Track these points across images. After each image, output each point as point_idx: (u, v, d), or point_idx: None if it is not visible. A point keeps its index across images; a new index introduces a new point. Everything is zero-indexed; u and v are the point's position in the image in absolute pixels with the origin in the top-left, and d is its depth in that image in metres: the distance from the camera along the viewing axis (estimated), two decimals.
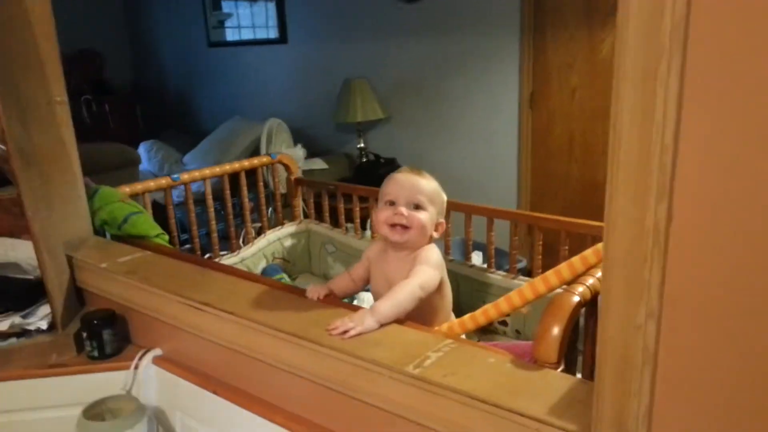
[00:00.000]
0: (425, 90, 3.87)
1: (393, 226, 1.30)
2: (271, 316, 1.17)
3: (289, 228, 2.43)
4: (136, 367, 1.38)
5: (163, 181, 2.02)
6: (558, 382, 0.91)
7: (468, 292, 1.96)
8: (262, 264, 2.33)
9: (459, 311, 2.01)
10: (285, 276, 2.28)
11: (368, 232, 2.40)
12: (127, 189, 1.91)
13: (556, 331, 0.96)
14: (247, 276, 1.38)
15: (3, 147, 1.37)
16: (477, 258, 2.49)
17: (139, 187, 1.95)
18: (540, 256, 1.91)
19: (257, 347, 1.17)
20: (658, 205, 0.62)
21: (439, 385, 0.91)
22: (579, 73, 3.32)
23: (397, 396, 0.96)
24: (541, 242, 1.91)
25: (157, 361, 1.39)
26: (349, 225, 2.43)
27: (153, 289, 1.36)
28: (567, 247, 1.79)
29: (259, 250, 2.32)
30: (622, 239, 0.66)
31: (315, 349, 1.06)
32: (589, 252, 1.19)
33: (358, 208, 2.27)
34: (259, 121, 4.24)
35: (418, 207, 1.31)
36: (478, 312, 1.28)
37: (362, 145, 4.09)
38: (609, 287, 0.68)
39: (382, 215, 1.32)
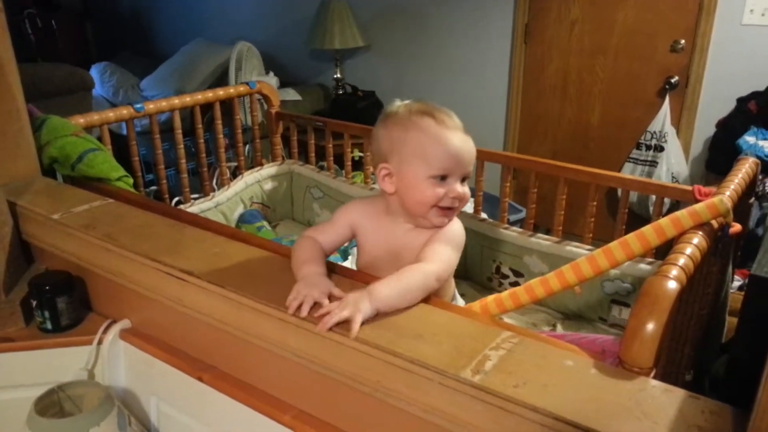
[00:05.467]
0: (410, 17, 3.54)
1: (444, 209, 1.01)
2: (271, 290, 0.93)
3: (270, 169, 2.16)
4: (100, 342, 1.14)
5: (124, 111, 1.72)
6: (662, 397, 0.71)
7: (477, 250, 1.75)
8: (239, 209, 2.07)
9: (465, 274, 1.82)
10: (265, 224, 2.03)
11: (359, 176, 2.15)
12: (81, 120, 1.61)
13: (651, 327, 0.75)
14: (239, 236, 1.13)
15: None
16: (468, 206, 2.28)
17: (95, 117, 1.65)
18: (534, 206, 1.72)
19: (255, 329, 0.94)
20: None
21: (509, 399, 0.70)
22: (580, 5, 3.05)
23: (450, 408, 0.75)
24: (536, 190, 1.71)
25: (125, 335, 1.15)
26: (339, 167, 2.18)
27: (119, 249, 1.10)
28: (564, 197, 1.61)
29: (236, 194, 2.05)
30: None
31: (334, 338, 0.83)
32: (665, 222, 0.98)
33: (349, 149, 2.01)
34: (224, 45, 3.85)
35: (466, 179, 1.03)
36: (521, 289, 1.06)
37: (339, 75, 3.76)
38: None
39: (428, 193, 0.99)
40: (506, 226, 1.72)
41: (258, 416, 0.96)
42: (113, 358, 1.14)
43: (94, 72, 4.19)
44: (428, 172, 0.99)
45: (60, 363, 1.13)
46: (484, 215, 1.82)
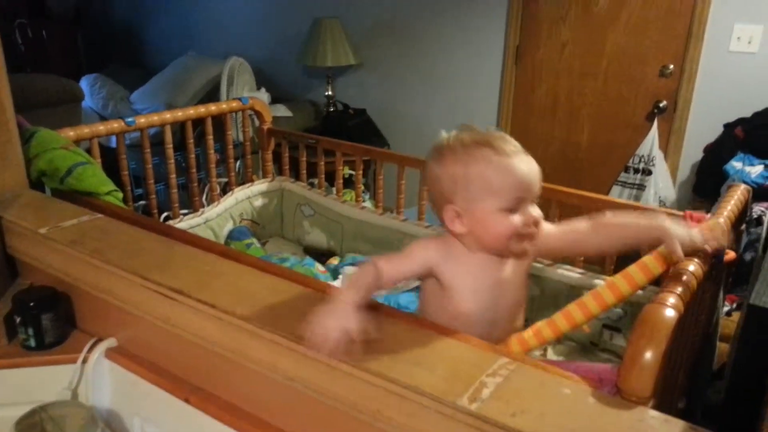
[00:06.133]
0: (402, 35, 3.56)
1: (523, 235, 0.98)
2: (265, 312, 0.91)
3: (260, 186, 2.14)
4: (85, 361, 1.11)
5: (115, 125, 1.70)
6: (661, 428, 0.70)
7: None
8: (229, 226, 2.04)
9: None
10: (255, 241, 2.00)
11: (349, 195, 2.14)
12: (71, 133, 1.59)
13: (650, 356, 0.74)
14: (230, 254, 1.11)
15: None
16: None
17: (86, 130, 1.63)
18: None
19: (246, 351, 0.92)
20: None
21: (507, 428, 0.69)
22: (571, 27, 3.08)
23: None
24: None
25: (110, 354, 1.12)
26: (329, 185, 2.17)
27: (106, 265, 1.07)
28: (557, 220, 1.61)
29: (226, 210, 2.03)
30: None
31: (329, 363, 0.82)
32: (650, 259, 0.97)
33: (341, 167, 2.00)
34: (216, 59, 3.84)
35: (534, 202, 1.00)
36: (543, 323, 1.03)
37: (330, 93, 3.76)
38: None
39: (504, 226, 0.95)
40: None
41: None
42: (98, 378, 1.12)
43: (84, 84, 4.16)
44: (499, 205, 0.95)
45: (43, 382, 1.10)
46: None
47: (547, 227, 1.05)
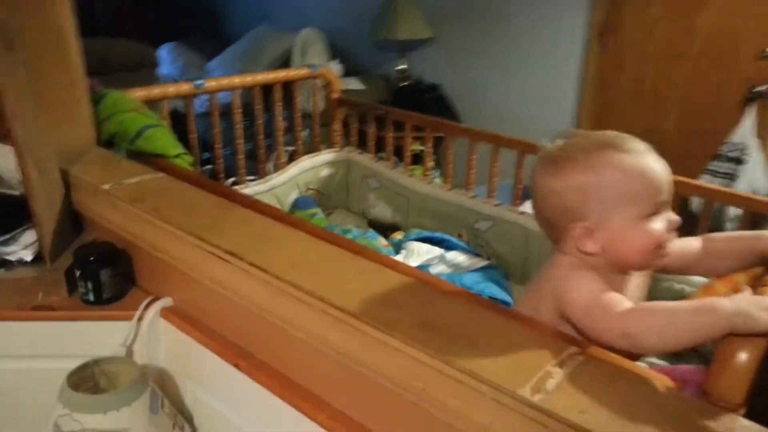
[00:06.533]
0: (480, 9, 3.43)
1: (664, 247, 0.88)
2: (318, 280, 0.87)
3: (327, 155, 2.11)
4: (140, 319, 1.10)
5: (185, 87, 1.70)
6: None
7: (539, 254, 1.65)
8: (294, 194, 2.02)
9: (526, 276, 1.72)
10: (319, 211, 1.98)
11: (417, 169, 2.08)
12: (141, 93, 1.59)
13: (744, 358, 0.65)
14: (288, 220, 1.07)
15: None
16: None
17: (156, 91, 1.63)
18: None
19: (295, 320, 0.88)
20: None
21: (574, 426, 0.61)
22: (661, 5, 2.87)
23: (503, 428, 0.67)
24: None
25: (166, 314, 1.11)
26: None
27: (164, 224, 1.06)
28: None
29: (291, 178, 2.01)
30: None
31: (379, 338, 0.76)
32: None
33: (410, 139, 1.93)
34: (290, 31, 3.84)
35: None
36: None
37: (403, 66, 3.68)
38: None
39: (647, 237, 0.85)
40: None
41: (292, 411, 0.90)
42: (152, 337, 1.11)
43: (163, 52, 4.26)
44: (640, 212, 0.85)
45: (99, 336, 1.10)
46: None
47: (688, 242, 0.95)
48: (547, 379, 0.67)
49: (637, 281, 0.94)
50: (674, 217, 0.87)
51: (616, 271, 0.90)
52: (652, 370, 0.70)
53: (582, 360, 0.71)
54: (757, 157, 2.66)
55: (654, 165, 0.86)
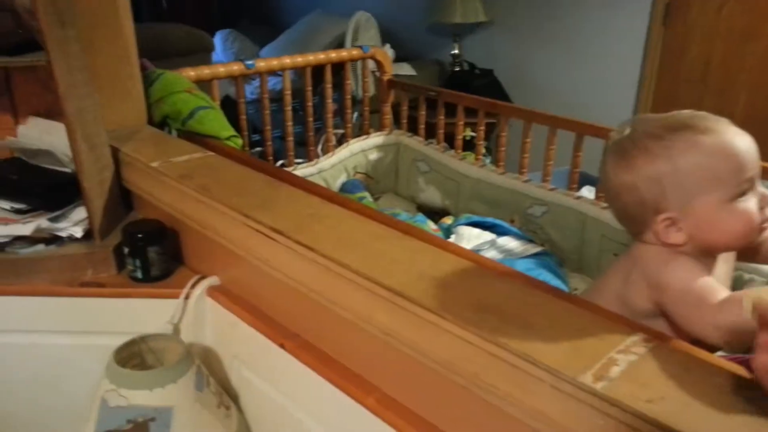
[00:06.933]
0: None
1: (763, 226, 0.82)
2: (366, 259, 0.83)
3: (376, 139, 2.07)
4: (187, 297, 1.10)
5: (235, 67, 1.69)
6: None
7: (596, 240, 1.58)
8: (342, 178, 2.00)
9: (579, 265, 1.64)
10: (367, 195, 1.95)
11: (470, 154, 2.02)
12: (192, 73, 1.59)
13: None
14: (336, 199, 1.04)
15: None
16: (589, 194, 2.09)
17: (206, 71, 1.63)
18: None
19: (341, 299, 0.85)
20: None
21: (640, 416, 0.56)
22: None
23: (562, 417, 0.62)
24: None
25: (212, 292, 1.10)
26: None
27: (211, 202, 1.04)
28: None
29: (340, 161, 1.98)
30: None
31: (430, 319, 0.72)
32: None
33: (462, 123, 1.87)
34: (342, 17, 3.82)
35: None
36: None
37: (457, 51, 3.61)
38: None
39: (739, 221, 0.80)
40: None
41: (339, 394, 0.87)
42: (199, 315, 1.10)
43: (218, 38, 4.31)
44: (727, 194, 0.79)
45: (146, 314, 1.10)
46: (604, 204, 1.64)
47: None
48: (610, 366, 0.62)
49: (724, 268, 0.87)
50: (766, 192, 0.80)
51: (704, 255, 0.84)
52: (728, 360, 0.64)
53: (649, 347, 0.65)
54: None
55: (736, 141, 0.79)
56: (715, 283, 0.80)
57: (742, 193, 0.79)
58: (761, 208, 0.80)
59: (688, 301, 0.78)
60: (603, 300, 0.94)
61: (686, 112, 0.85)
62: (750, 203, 0.79)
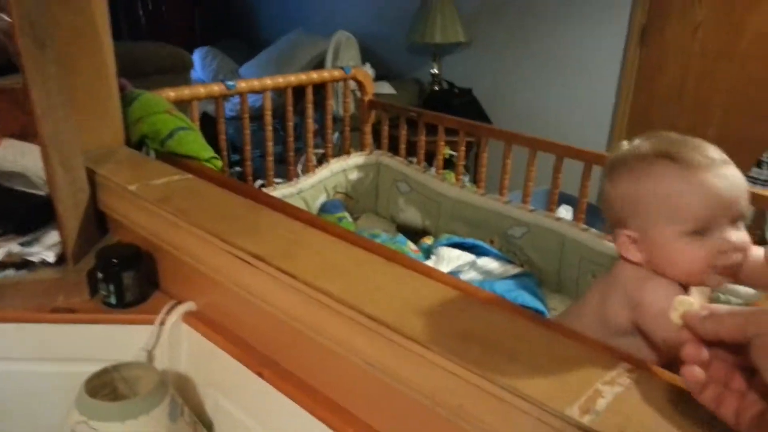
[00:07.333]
0: (515, 12, 3.37)
1: (721, 268, 0.81)
2: (349, 287, 0.82)
3: (357, 158, 2.07)
4: (162, 323, 1.07)
5: (216, 88, 1.67)
6: None
7: (574, 261, 1.58)
8: (322, 198, 1.99)
9: (558, 287, 1.64)
10: (346, 215, 1.94)
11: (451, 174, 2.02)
12: (171, 93, 1.57)
13: None
14: (318, 224, 1.03)
15: (7, 18, 1.02)
16: (566, 213, 2.10)
17: (186, 92, 1.61)
18: None
19: (323, 327, 0.83)
20: None
21: None
22: (708, 5, 2.78)
23: None
24: None
25: (188, 318, 1.07)
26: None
27: (190, 227, 1.02)
28: None
29: (320, 181, 1.97)
30: None
31: (412, 349, 0.71)
32: None
33: (443, 142, 1.88)
34: (323, 36, 3.83)
35: (740, 220, 0.83)
36: None
37: (436, 70, 3.63)
38: None
39: (688, 257, 0.80)
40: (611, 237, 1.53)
41: (319, 424, 0.85)
42: (174, 342, 1.07)
43: (197, 56, 4.29)
44: (683, 228, 0.80)
45: (119, 340, 1.07)
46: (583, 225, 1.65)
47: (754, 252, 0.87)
48: (597, 398, 0.61)
49: (702, 291, 0.88)
50: (734, 238, 0.80)
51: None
52: None
53: (634, 377, 0.65)
54: None
55: (709, 179, 0.80)
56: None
57: (701, 232, 0.80)
58: (723, 252, 0.80)
59: (662, 320, 0.79)
60: (582, 318, 0.95)
61: (694, 141, 0.85)
62: (706, 245, 0.80)
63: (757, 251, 0.89)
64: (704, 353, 0.48)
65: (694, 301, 0.50)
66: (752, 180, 2.72)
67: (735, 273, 0.83)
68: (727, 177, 0.81)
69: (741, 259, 0.82)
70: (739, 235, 0.81)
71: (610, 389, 0.63)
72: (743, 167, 2.66)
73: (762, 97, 2.68)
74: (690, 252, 0.81)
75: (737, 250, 0.81)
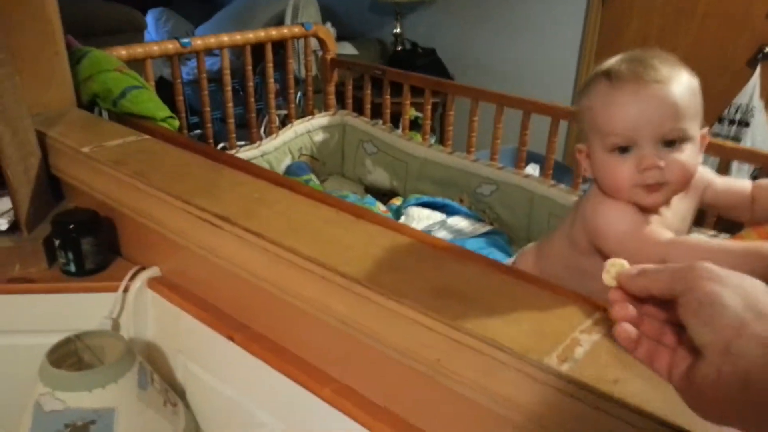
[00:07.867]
0: None
1: (648, 186, 0.82)
2: (318, 245, 0.79)
3: (321, 119, 2.02)
4: (126, 290, 1.03)
5: (170, 46, 1.60)
6: None
7: (543, 217, 1.58)
8: (287, 161, 1.94)
9: (531, 241, 1.64)
10: (313, 177, 1.90)
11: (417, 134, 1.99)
12: (123, 52, 1.50)
13: None
14: (283, 182, 1.00)
15: None
16: (533, 171, 2.11)
17: (139, 50, 1.53)
18: None
19: (294, 288, 0.81)
20: None
21: (607, 397, 0.55)
22: None
23: (528, 401, 0.60)
24: None
25: (153, 284, 1.03)
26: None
27: (150, 189, 0.98)
28: None
29: (284, 143, 1.92)
30: None
31: (388, 306, 0.69)
32: None
33: (408, 102, 1.84)
34: None
35: (677, 141, 0.82)
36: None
37: (399, 30, 3.56)
38: None
39: (611, 172, 0.83)
40: (580, 193, 1.54)
41: (294, 386, 0.84)
42: (140, 309, 1.04)
43: (150, 17, 4.12)
44: (604, 144, 0.83)
45: (82, 310, 1.03)
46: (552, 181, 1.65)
47: (709, 177, 0.91)
48: (574, 347, 0.61)
49: (678, 208, 0.88)
50: (651, 160, 0.81)
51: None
52: None
53: (611, 325, 0.64)
54: (761, 119, 2.59)
55: (623, 98, 0.81)
56: (656, 226, 0.82)
57: (625, 149, 0.82)
58: (643, 169, 0.81)
59: (629, 244, 0.81)
60: (555, 241, 0.99)
61: (644, 55, 0.85)
62: (627, 160, 0.82)
63: (743, 184, 0.90)
64: (631, 310, 0.48)
65: (625, 261, 0.50)
66: (714, 135, 2.77)
67: (663, 192, 0.83)
68: (653, 95, 0.80)
69: (663, 178, 0.82)
70: (664, 155, 0.81)
71: (588, 337, 0.62)
72: (706, 121, 2.69)
73: (721, 54, 2.71)
74: (613, 167, 0.83)
75: (656, 168, 0.81)
